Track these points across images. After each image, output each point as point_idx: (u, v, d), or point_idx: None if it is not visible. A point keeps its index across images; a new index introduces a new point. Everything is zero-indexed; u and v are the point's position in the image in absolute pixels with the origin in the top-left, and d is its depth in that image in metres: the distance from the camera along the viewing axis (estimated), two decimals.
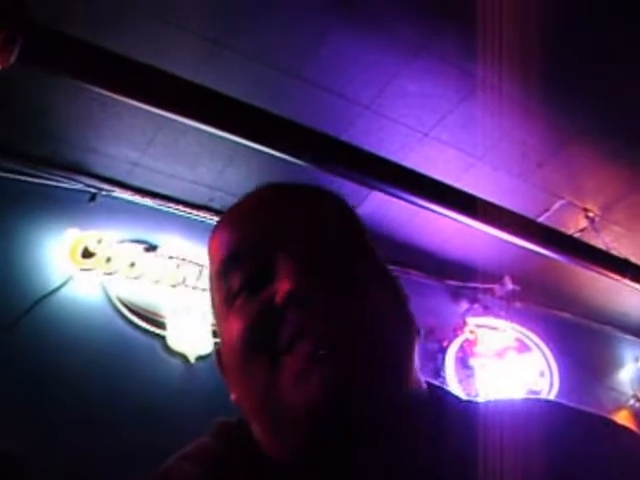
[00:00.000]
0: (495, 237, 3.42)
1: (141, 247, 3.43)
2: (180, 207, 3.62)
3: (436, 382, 0.80)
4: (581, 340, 4.97)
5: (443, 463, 0.68)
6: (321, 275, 0.68)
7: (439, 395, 0.77)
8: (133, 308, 3.32)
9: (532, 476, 0.69)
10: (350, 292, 0.68)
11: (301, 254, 0.69)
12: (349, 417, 0.63)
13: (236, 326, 0.69)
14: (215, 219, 3.68)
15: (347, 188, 3.17)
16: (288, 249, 0.69)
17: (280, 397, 0.65)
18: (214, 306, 0.79)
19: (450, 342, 4.26)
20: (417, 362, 0.73)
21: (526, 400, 0.84)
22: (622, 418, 4.72)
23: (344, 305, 0.67)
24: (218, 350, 0.80)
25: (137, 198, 3.51)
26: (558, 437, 0.73)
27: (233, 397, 0.76)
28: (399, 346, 0.70)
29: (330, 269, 0.69)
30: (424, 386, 0.76)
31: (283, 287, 0.66)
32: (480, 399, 0.85)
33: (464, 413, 0.76)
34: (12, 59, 2.13)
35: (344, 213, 0.79)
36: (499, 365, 4.34)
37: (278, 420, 0.67)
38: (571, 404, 0.81)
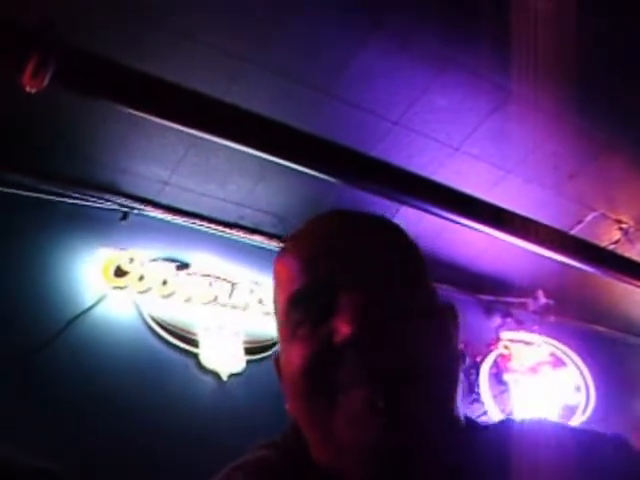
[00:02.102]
0: (528, 250, 3.39)
1: (173, 265, 3.45)
2: (211, 225, 3.64)
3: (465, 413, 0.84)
4: (617, 354, 4.89)
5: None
6: (378, 321, 0.72)
7: (469, 425, 0.83)
8: (166, 326, 3.33)
9: None
10: (404, 340, 0.72)
11: (362, 297, 0.73)
12: (399, 463, 0.69)
13: (297, 356, 0.75)
14: (247, 237, 3.69)
15: (377, 203, 3.17)
16: (352, 290, 0.74)
17: (336, 433, 0.71)
18: (278, 325, 0.83)
19: (484, 357, 4.22)
20: (459, 392, 0.78)
21: (558, 428, 0.87)
22: None
23: (397, 354, 0.71)
24: (277, 358, 0.84)
25: (168, 216, 3.53)
26: (592, 469, 0.75)
27: (287, 407, 0.80)
28: (447, 393, 0.75)
29: (388, 314, 0.73)
30: (461, 417, 0.80)
31: (342, 330, 0.71)
32: (512, 418, 0.89)
33: (493, 440, 0.80)
34: (45, 82, 2.16)
35: (406, 252, 0.84)
36: (533, 380, 4.28)
37: (333, 446, 0.73)
38: (604, 433, 0.83)
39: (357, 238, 0.80)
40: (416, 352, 0.72)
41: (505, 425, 0.86)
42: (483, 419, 3.87)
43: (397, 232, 0.86)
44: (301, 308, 0.77)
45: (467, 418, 0.84)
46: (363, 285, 0.74)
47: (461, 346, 0.83)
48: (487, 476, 0.74)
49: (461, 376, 0.79)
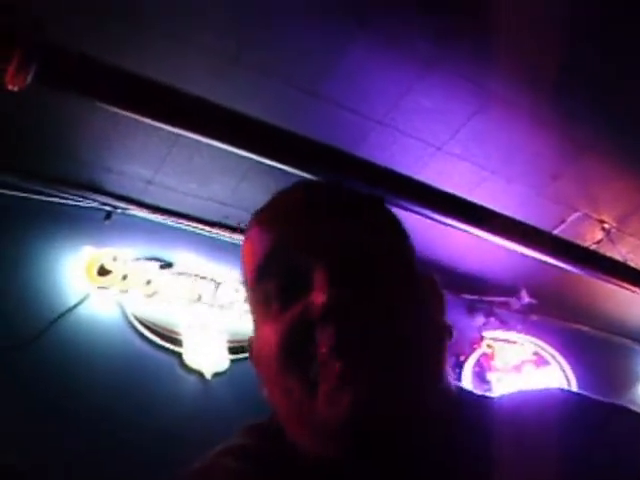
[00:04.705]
0: (510, 250, 3.41)
1: (156, 264, 3.44)
2: (195, 225, 3.63)
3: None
4: (599, 353, 4.92)
5: (458, 459, 0.71)
6: (354, 289, 0.69)
7: (459, 393, 0.81)
8: (149, 325, 3.32)
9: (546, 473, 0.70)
10: (380, 308, 0.70)
11: (335, 265, 0.70)
12: (380, 431, 0.66)
13: (273, 334, 0.71)
14: (231, 236, 3.68)
15: None
16: (323, 259, 0.71)
17: (314, 411, 0.68)
18: (251, 304, 0.80)
19: (467, 356, 4.23)
20: (445, 363, 0.78)
21: (541, 393, 0.86)
22: None
23: (374, 321, 0.69)
24: (252, 343, 0.81)
25: (152, 216, 3.52)
26: (575, 431, 0.74)
27: (265, 393, 0.77)
28: (427, 358, 0.74)
29: (363, 281, 0.71)
30: (450, 384, 0.79)
31: (318, 300, 0.68)
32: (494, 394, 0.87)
33: (480, 409, 0.79)
34: (28, 80, 2.15)
35: (382, 221, 0.82)
36: (517, 379, 4.30)
37: (312, 429, 0.70)
38: (588, 395, 0.83)
39: (327, 206, 0.78)
40: (393, 319, 0.70)
41: (500, 402, 0.83)
42: None
43: (373, 204, 0.84)
44: (268, 278, 0.73)
45: (461, 391, 0.83)
46: (335, 252, 0.71)
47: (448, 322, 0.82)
48: (474, 455, 0.71)
49: (446, 351, 0.78)
